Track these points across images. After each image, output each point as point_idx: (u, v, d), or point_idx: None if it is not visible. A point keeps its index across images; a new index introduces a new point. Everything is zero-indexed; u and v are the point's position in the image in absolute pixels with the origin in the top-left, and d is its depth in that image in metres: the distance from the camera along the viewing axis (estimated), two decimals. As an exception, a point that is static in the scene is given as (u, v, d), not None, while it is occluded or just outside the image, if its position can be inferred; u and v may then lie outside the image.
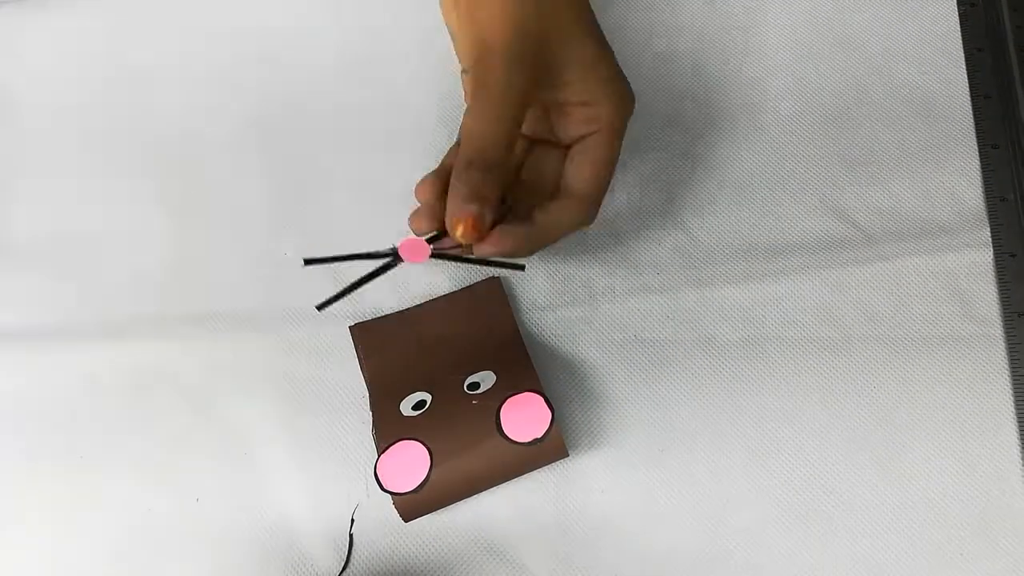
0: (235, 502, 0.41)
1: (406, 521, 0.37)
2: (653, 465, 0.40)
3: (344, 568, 0.40)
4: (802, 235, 0.43)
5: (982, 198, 0.43)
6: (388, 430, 0.39)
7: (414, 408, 0.39)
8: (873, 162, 0.44)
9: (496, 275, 0.43)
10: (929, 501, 0.39)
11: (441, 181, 0.36)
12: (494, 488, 0.40)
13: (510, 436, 0.37)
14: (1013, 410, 0.40)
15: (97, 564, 0.41)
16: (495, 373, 0.40)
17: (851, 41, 0.45)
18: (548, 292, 0.43)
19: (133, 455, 0.42)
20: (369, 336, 0.43)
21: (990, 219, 0.43)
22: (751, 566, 0.39)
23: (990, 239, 0.42)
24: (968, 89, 0.45)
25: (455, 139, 0.38)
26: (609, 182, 0.38)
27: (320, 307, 0.36)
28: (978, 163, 0.44)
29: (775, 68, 0.46)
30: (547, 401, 0.37)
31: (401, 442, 0.38)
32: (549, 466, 0.40)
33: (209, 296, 0.45)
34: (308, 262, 0.36)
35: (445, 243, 0.35)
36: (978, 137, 0.44)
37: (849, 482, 0.39)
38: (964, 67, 0.45)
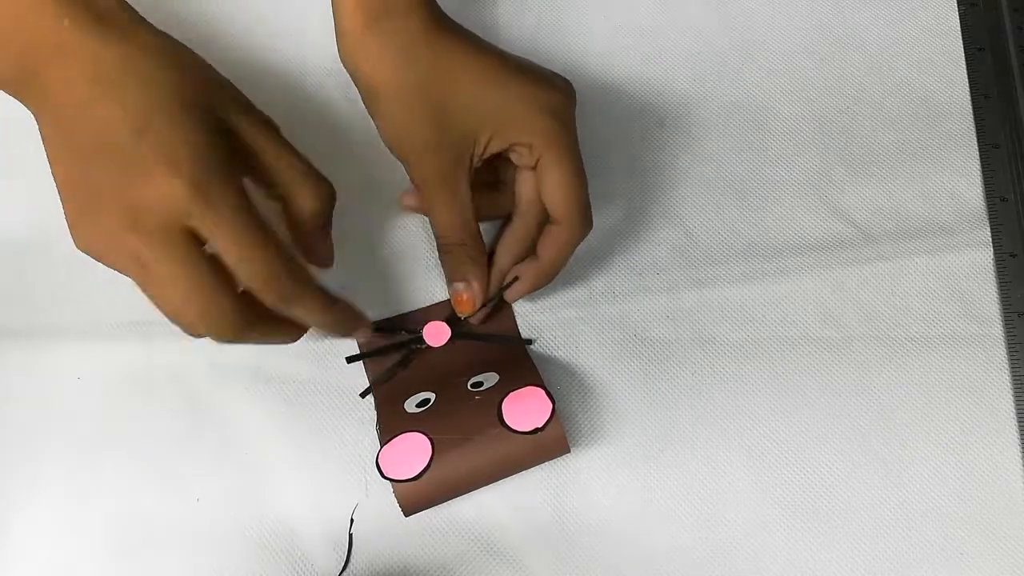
0: (235, 502, 0.41)
1: (407, 514, 0.37)
2: (653, 465, 0.40)
3: (344, 568, 0.40)
4: (802, 235, 0.43)
5: (982, 198, 0.43)
6: (391, 425, 0.39)
7: (418, 406, 0.39)
8: (873, 162, 0.44)
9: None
10: (929, 501, 0.39)
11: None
12: (494, 487, 0.40)
13: (511, 426, 0.37)
14: (1013, 410, 0.40)
15: (97, 564, 0.41)
16: (498, 373, 0.40)
17: (851, 41, 0.45)
18: (548, 293, 0.43)
19: (133, 455, 0.42)
20: (375, 338, 0.43)
21: (990, 219, 0.43)
22: (751, 566, 0.39)
23: (990, 239, 0.42)
24: (968, 89, 0.45)
25: None
26: (584, 187, 0.38)
27: (364, 394, 0.42)
28: (978, 163, 0.44)
29: (775, 68, 0.45)
30: (548, 393, 0.37)
31: (403, 434, 0.38)
32: (549, 465, 0.40)
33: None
34: (350, 360, 0.42)
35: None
36: (978, 137, 0.44)
37: (849, 482, 0.39)
38: (964, 67, 0.45)
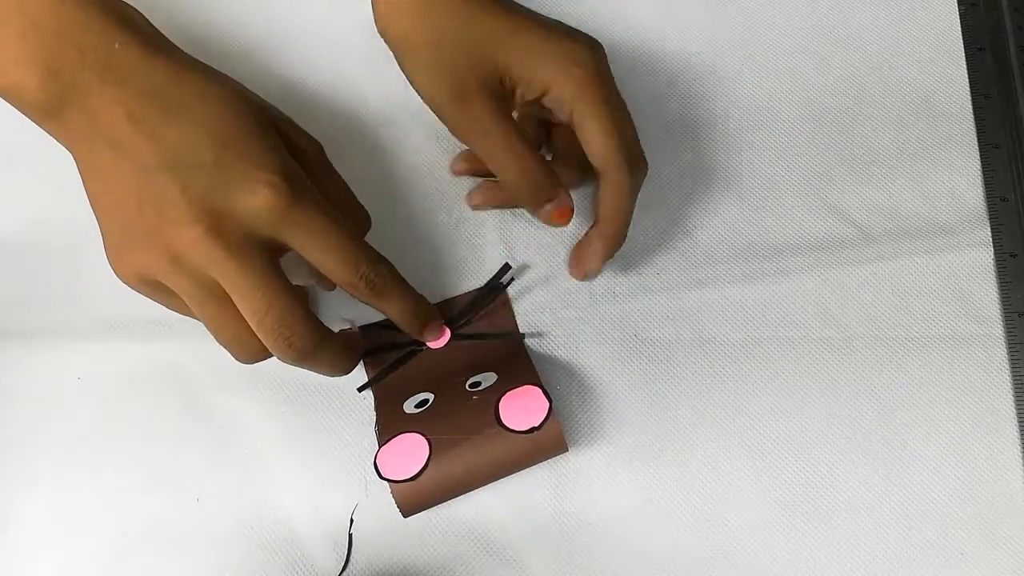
0: (235, 502, 0.41)
1: (405, 515, 0.37)
2: (653, 465, 0.40)
3: (344, 568, 0.40)
4: (802, 235, 0.43)
5: (982, 198, 0.43)
6: (390, 426, 0.39)
7: (417, 407, 0.39)
8: (873, 162, 0.44)
9: (503, 283, 0.43)
10: (929, 501, 0.39)
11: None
12: (494, 487, 0.40)
13: (508, 426, 0.37)
14: (1013, 410, 0.40)
15: (97, 564, 0.41)
16: (496, 373, 0.40)
17: (851, 41, 0.45)
18: (549, 293, 0.43)
19: (133, 455, 0.42)
20: (375, 338, 0.43)
21: (990, 219, 0.43)
22: (751, 566, 0.39)
23: (990, 239, 0.42)
24: (969, 89, 0.45)
25: None
26: (625, 133, 0.37)
27: (361, 389, 0.41)
28: (978, 163, 0.44)
29: (775, 68, 0.45)
30: (545, 393, 0.37)
31: (401, 435, 0.38)
32: (549, 465, 0.40)
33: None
34: (362, 389, 0.41)
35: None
36: (979, 137, 0.44)
37: (849, 482, 0.39)
38: (965, 67, 0.45)
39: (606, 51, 0.38)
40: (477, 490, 0.40)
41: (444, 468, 0.37)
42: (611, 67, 0.46)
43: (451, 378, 0.40)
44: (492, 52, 0.36)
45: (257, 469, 0.42)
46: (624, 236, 0.39)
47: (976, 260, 0.42)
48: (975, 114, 0.44)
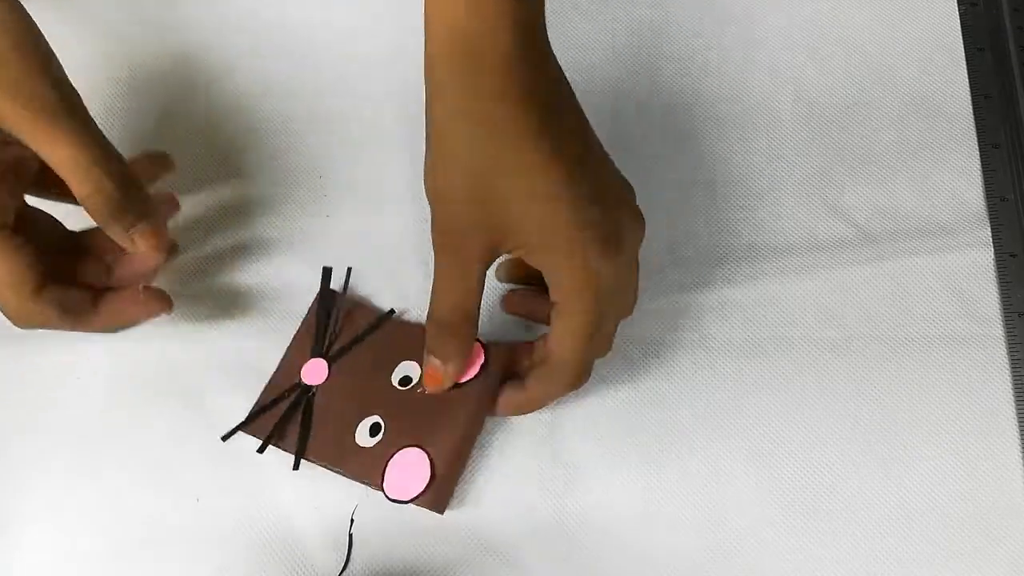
0: (235, 502, 0.41)
1: (442, 512, 0.38)
2: (653, 465, 0.40)
3: (344, 568, 0.40)
4: (802, 235, 0.43)
5: (983, 198, 0.43)
6: (369, 465, 0.39)
7: (372, 435, 0.39)
8: (873, 162, 0.44)
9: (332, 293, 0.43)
10: (929, 501, 0.39)
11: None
12: (493, 487, 0.40)
13: (462, 381, 0.38)
14: (1013, 410, 0.40)
15: (97, 564, 0.41)
16: (410, 359, 0.40)
17: (851, 41, 0.46)
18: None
19: (132, 455, 0.42)
20: (262, 421, 0.41)
21: (991, 219, 0.43)
22: (751, 566, 0.39)
23: (991, 239, 0.42)
24: (969, 89, 0.45)
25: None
26: (593, 348, 0.36)
27: (225, 438, 0.41)
28: (979, 163, 0.44)
29: (775, 68, 0.45)
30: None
31: (391, 460, 0.38)
32: (549, 465, 0.40)
33: (209, 295, 0.45)
34: (226, 437, 0.41)
35: None
36: (979, 137, 0.44)
37: (849, 482, 0.39)
38: (965, 67, 0.45)
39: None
40: (476, 490, 0.40)
41: (444, 451, 0.38)
42: (610, 69, 0.46)
43: (377, 392, 0.40)
44: (507, 200, 0.33)
45: (257, 469, 0.42)
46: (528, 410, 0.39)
47: (976, 260, 0.42)
48: (975, 114, 0.44)
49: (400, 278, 0.44)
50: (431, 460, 0.37)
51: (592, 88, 0.45)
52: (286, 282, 0.45)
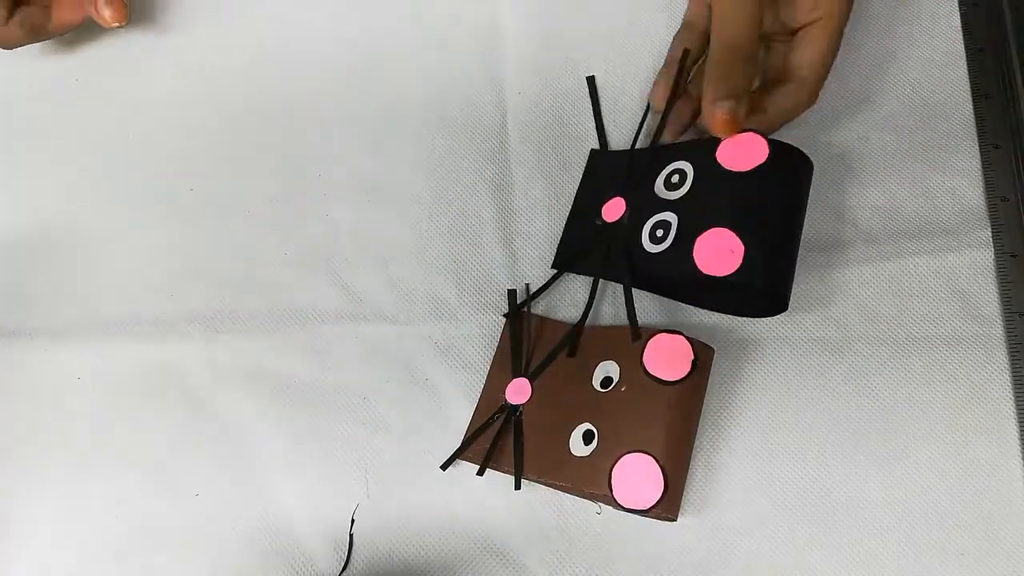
0: (235, 502, 0.41)
1: (675, 518, 0.37)
2: (653, 465, 0.40)
3: (344, 568, 0.40)
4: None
5: (983, 198, 0.43)
6: (592, 476, 0.37)
7: (586, 443, 0.38)
8: (873, 162, 0.44)
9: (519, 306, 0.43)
10: (929, 501, 0.39)
11: (670, 83, 0.42)
12: (493, 488, 0.40)
13: (673, 380, 0.37)
14: (1014, 410, 0.40)
15: (97, 564, 0.41)
16: (606, 359, 0.39)
17: (851, 41, 0.45)
18: (550, 297, 0.43)
19: (133, 455, 0.42)
20: (475, 448, 0.41)
21: (991, 219, 0.42)
22: (751, 566, 0.39)
23: (991, 239, 0.42)
24: (969, 89, 0.45)
25: (675, 32, 0.44)
26: (831, 66, 0.41)
27: (444, 467, 0.41)
28: (979, 163, 0.43)
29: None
30: (666, 330, 0.38)
31: (614, 469, 0.36)
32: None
33: (210, 296, 0.45)
34: (445, 467, 0.41)
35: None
36: (979, 137, 0.44)
37: (849, 482, 0.39)
38: (965, 67, 0.45)
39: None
40: (476, 490, 0.40)
41: (672, 456, 0.36)
42: (610, 70, 0.46)
43: (581, 399, 0.39)
44: None
45: (257, 469, 0.42)
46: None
47: (976, 260, 0.42)
48: (975, 114, 0.44)
49: (401, 278, 0.44)
50: (660, 465, 0.36)
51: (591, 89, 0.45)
52: (285, 281, 0.45)
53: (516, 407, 0.40)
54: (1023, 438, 0.39)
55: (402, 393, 0.42)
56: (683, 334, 0.38)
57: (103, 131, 0.48)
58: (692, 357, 0.37)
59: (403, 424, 0.42)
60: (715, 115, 0.38)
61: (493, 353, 0.42)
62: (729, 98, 0.37)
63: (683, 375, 0.37)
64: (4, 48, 0.46)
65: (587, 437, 0.38)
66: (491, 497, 0.40)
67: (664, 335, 0.38)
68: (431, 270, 0.44)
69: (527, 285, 0.43)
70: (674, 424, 0.37)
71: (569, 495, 0.40)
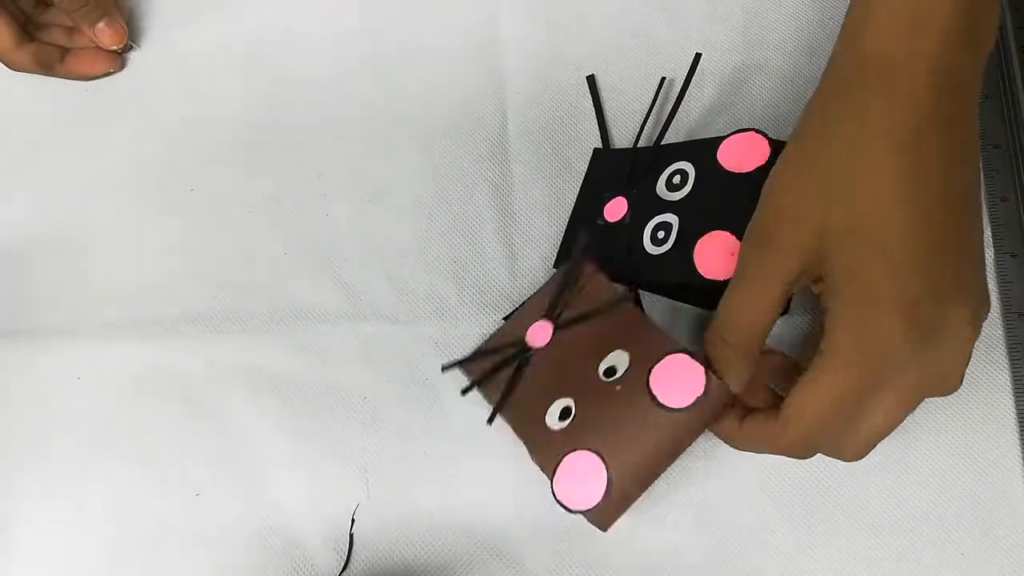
0: (235, 502, 0.41)
1: (605, 530, 0.34)
2: (653, 465, 0.40)
3: (344, 568, 0.40)
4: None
5: (983, 198, 0.43)
6: (547, 452, 0.36)
7: (561, 418, 0.37)
8: (873, 162, 0.44)
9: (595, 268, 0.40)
10: (929, 501, 0.39)
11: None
12: (493, 488, 0.40)
13: (670, 406, 0.34)
14: (1014, 410, 0.40)
15: (97, 564, 0.41)
16: (623, 349, 0.37)
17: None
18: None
19: (133, 455, 0.42)
20: (477, 367, 0.41)
21: (991, 219, 0.42)
22: (752, 566, 0.39)
23: (991, 239, 0.42)
24: (969, 89, 0.45)
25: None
26: (835, 428, 0.32)
27: (444, 369, 0.41)
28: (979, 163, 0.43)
29: (775, 68, 0.45)
30: (692, 355, 0.34)
31: (565, 457, 0.35)
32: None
33: (210, 296, 0.45)
34: (465, 391, 0.40)
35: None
36: (979, 137, 0.44)
37: (849, 482, 0.39)
38: (965, 67, 0.45)
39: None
40: (476, 490, 0.40)
41: (624, 474, 0.34)
42: (610, 71, 0.46)
43: (580, 374, 0.37)
44: (822, 258, 0.31)
45: (257, 469, 0.42)
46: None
47: (976, 260, 0.42)
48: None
49: (401, 278, 0.44)
50: (609, 476, 0.34)
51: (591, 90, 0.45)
52: (285, 281, 0.45)
53: (529, 348, 0.39)
54: (1023, 438, 0.39)
55: (402, 393, 0.42)
56: (707, 367, 0.34)
57: (103, 131, 0.48)
58: (699, 393, 0.33)
59: (403, 424, 0.42)
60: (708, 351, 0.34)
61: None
62: (712, 368, 0.34)
63: (679, 406, 0.34)
64: (10, 69, 0.47)
65: (564, 414, 0.37)
66: (491, 497, 0.40)
67: (686, 358, 0.34)
68: (431, 270, 0.44)
69: (583, 234, 0.42)
70: (646, 445, 0.34)
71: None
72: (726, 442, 0.36)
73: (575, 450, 0.35)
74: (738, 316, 0.33)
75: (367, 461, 0.41)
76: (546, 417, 0.37)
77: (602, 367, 0.37)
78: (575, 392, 0.37)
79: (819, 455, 0.34)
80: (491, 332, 0.43)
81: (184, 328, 0.44)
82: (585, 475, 0.34)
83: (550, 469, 0.35)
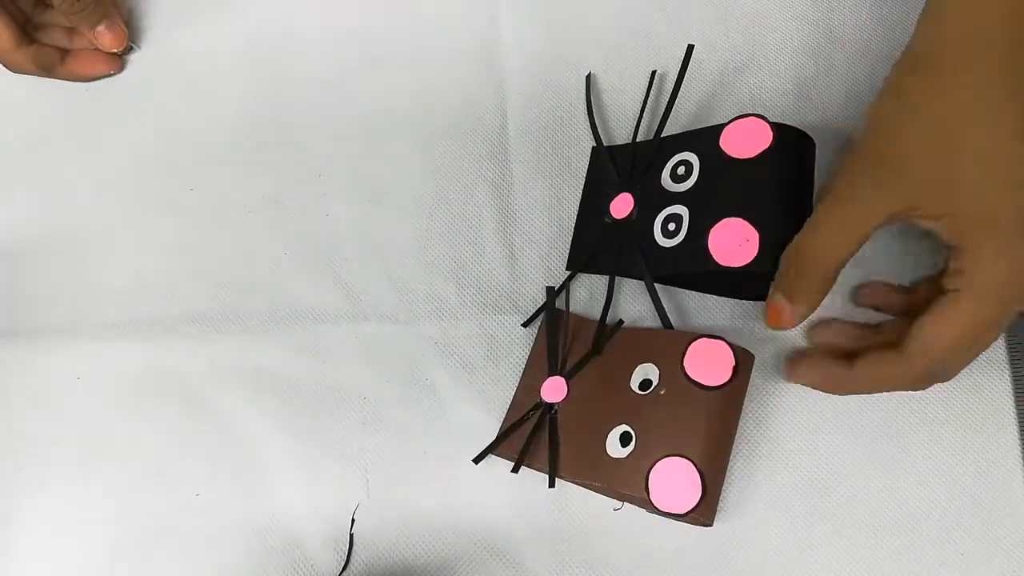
0: (235, 502, 0.41)
1: (711, 524, 0.36)
2: (653, 465, 0.40)
3: (344, 568, 0.40)
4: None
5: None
6: (629, 479, 0.36)
7: (623, 444, 0.37)
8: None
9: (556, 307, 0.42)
10: (929, 501, 0.39)
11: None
12: (493, 488, 0.40)
13: (713, 385, 0.36)
14: (1014, 409, 0.40)
15: (97, 563, 0.41)
16: (647, 362, 0.38)
17: (851, 41, 0.45)
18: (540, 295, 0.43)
19: (133, 455, 0.42)
20: (506, 438, 0.41)
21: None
22: (752, 567, 0.39)
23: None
24: (968, 89, 0.45)
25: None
26: (962, 357, 0.33)
27: (476, 460, 0.40)
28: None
29: (775, 68, 0.45)
30: (708, 336, 0.36)
31: (651, 473, 0.35)
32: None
33: (210, 296, 0.45)
34: (478, 460, 0.40)
35: None
36: None
37: (850, 482, 0.39)
38: (964, 67, 0.45)
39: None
40: (477, 490, 0.40)
41: (709, 461, 0.35)
42: (610, 71, 0.46)
43: (619, 399, 0.38)
44: (921, 199, 0.32)
45: (257, 469, 0.42)
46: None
47: (976, 260, 0.42)
48: (975, 114, 0.44)
49: (401, 278, 0.44)
50: (697, 469, 0.35)
51: (592, 90, 0.45)
52: (285, 281, 0.45)
53: (551, 405, 0.40)
54: (1023, 438, 0.39)
55: (402, 393, 0.42)
56: (724, 339, 0.36)
57: (103, 132, 0.48)
58: (733, 363, 0.36)
59: (403, 424, 0.42)
60: (769, 302, 0.36)
61: (494, 352, 0.42)
62: (784, 294, 0.35)
63: (724, 381, 0.36)
64: (10, 71, 0.47)
65: (624, 439, 0.37)
66: (491, 497, 0.40)
67: (705, 339, 0.37)
68: (431, 270, 0.44)
69: (568, 277, 0.43)
70: (713, 429, 0.36)
71: (561, 501, 0.40)
72: (830, 391, 0.37)
73: (655, 462, 0.36)
74: (823, 245, 0.34)
75: (367, 461, 0.41)
76: (608, 451, 0.37)
77: (635, 384, 0.38)
78: (625, 416, 0.38)
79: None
80: (491, 332, 0.43)
81: (184, 328, 0.44)
82: (675, 479, 0.35)
83: (641, 489, 0.36)
